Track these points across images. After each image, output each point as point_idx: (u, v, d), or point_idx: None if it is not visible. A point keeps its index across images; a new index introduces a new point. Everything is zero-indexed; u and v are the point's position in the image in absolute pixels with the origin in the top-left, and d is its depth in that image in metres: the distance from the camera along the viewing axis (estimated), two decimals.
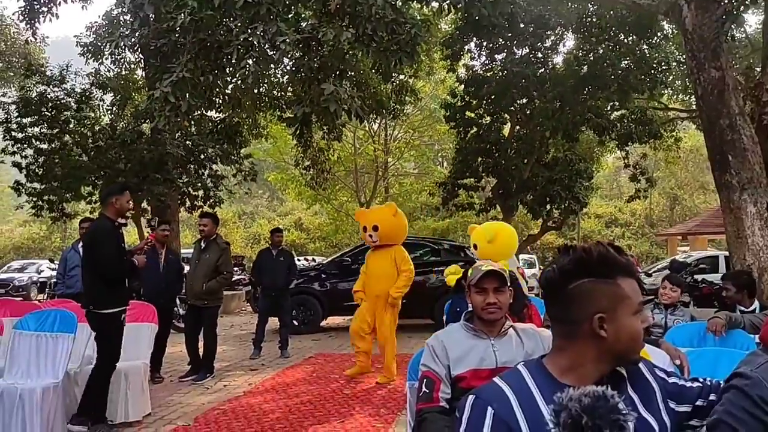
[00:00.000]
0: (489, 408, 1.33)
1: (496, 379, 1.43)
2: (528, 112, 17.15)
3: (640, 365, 1.48)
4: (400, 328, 11.52)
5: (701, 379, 1.52)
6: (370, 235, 6.92)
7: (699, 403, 1.47)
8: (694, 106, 17.84)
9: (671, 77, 18.01)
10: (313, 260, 18.17)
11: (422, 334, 10.41)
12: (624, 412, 1.20)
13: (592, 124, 16.33)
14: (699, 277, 13.16)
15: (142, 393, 5.16)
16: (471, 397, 1.39)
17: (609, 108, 17.29)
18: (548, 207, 17.85)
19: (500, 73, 16.68)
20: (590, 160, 19.78)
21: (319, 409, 5.51)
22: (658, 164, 31.51)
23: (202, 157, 14.47)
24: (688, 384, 1.50)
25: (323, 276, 11.37)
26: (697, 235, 23.11)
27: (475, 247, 6.58)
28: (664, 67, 15.57)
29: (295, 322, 10.55)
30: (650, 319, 1.33)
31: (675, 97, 21.37)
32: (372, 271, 6.96)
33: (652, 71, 15.27)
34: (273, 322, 9.11)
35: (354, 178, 27.55)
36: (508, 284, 2.61)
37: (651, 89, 15.96)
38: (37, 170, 13.43)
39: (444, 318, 5.89)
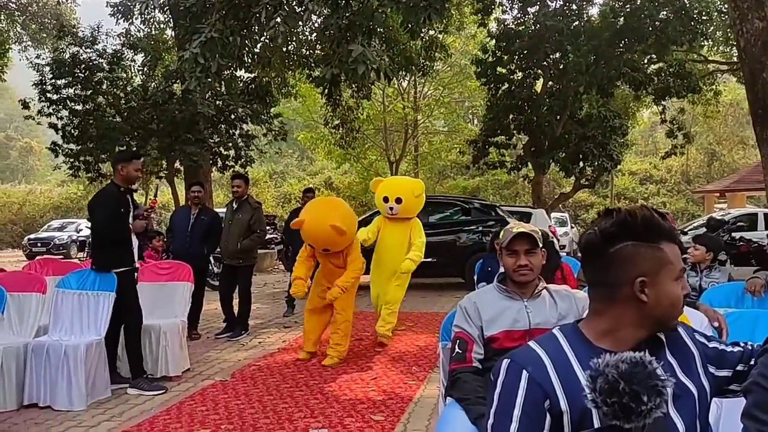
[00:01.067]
0: (524, 371, 1.34)
1: (531, 343, 1.43)
2: (561, 66, 16.72)
3: (680, 329, 1.46)
4: (431, 287, 11.64)
5: (742, 344, 1.50)
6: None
7: (740, 368, 1.45)
8: (735, 59, 17.23)
9: (712, 28, 17.38)
10: None
11: (452, 293, 10.49)
12: (662, 378, 1.20)
13: (628, 79, 15.88)
14: (737, 234, 12.90)
15: (180, 349, 5.31)
16: (506, 361, 1.39)
17: (646, 61, 16.77)
18: (581, 164, 17.51)
19: (533, 27, 16.26)
20: (625, 116, 19.29)
21: (351, 366, 5.61)
22: (696, 119, 30.66)
23: (233, 116, 14.52)
24: (729, 348, 1.49)
25: None
26: (736, 191, 22.56)
27: (399, 200, 6.47)
28: (704, 18, 15.00)
29: None
30: (688, 286, 1.32)
31: (715, 49, 20.64)
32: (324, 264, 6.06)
33: (692, 22, 14.73)
34: None
35: (383, 136, 27.39)
36: (541, 246, 2.59)
37: (690, 41, 15.41)
38: (72, 131, 13.65)
39: (475, 277, 5.90)
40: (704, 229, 11.29)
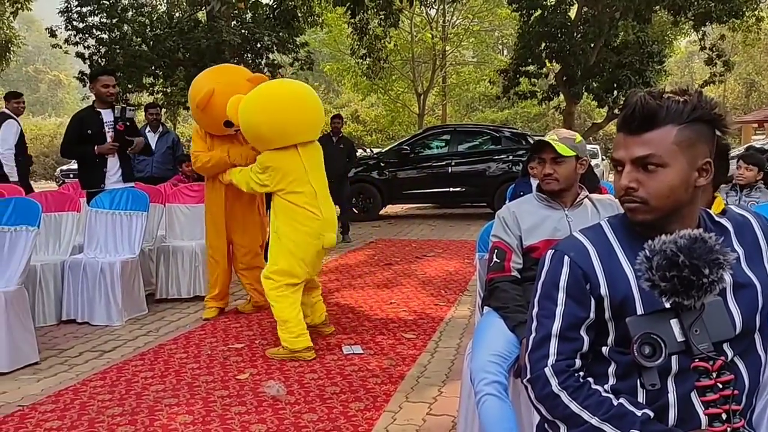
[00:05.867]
0: (566, 256, 1.35)
1: (576, 233, 1.42)
2: None
3: (752, 220, 1.39)
4: (459, 217, 11.60)
5: None
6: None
7: None
8: None
9: None
10: (371, 151, 18.06)
11: (481, 223, 10.40)
12: (723, 251, 1.13)
13: (667, 3, 15.16)
14: None
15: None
16: (551, 251, 1.41)
17: None
18: (615, 93, 16.99)
19: None
20: (662, 44, 18.54)
21: (382, 289, 5.65)
22: (736, 48, 29.47)
23: (259, 45, 14.29)
24: None
25: (382, 165, 11.37)
26: None
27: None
28: None
29: (355, 210, 10.70)
30: (622, 180, 1.23)
31: None
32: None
33: None
34: None
35: (411, 67, 26.87)
36: (575, 155, 2.44)
37: None
38: (99, 60, 13.58)
39: (506, 203, 5.81)
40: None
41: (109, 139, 4.96)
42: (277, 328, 3.82)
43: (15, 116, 6.63)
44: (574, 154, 2.42)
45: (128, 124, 5.08)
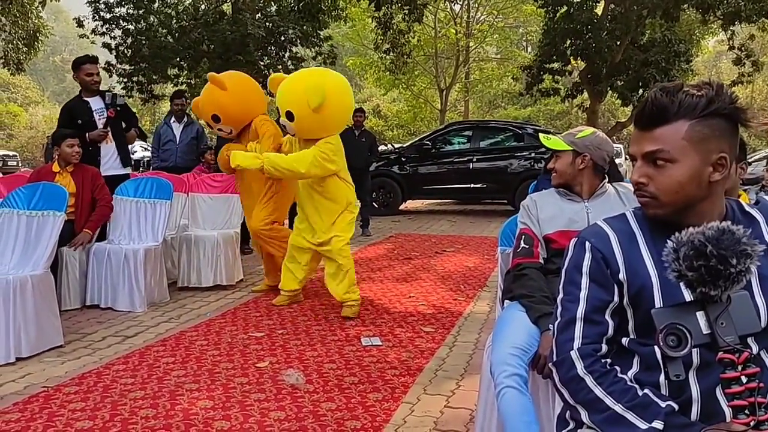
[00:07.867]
0: (587, 242, 1.37)
1: (599, 222, 1.43)
2: None
3: None
4: (480, 213, 11.55)
5: None
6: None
7: None
8: None
9: None
10: (392, 145, 18.04)
11: (502, 220, 10.35)
12: (751, 242, 1.12)
13: (696, 2, 14.95)
14: None
15: (234, 259, 5.42)
16: (574, 239, 1.43)
17: None
18: (640, 92, 16.82)
19: None
20: (689, 43, 18.30)
21: (401, 283, 5.65)
22: (765, 48, 29.01)
23: (283, 38, 14.36)
24: None
25: (403, 159, 11.36)
26: None
27: (290, 116, 4.25)
28: None
29: (375, 204, 10.71)
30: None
31: None
32: None
33: None
34: None
35: (434, 62, 26.80)
36: (571, 149, 2.42)
37: None
38: (125, 51, 13.74)
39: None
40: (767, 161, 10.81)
41: (100, 127, 5.00)
42: (340, 281, 4.48)
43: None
44: (568, 148, 2.43)
45: (119, 109, 5.11)
